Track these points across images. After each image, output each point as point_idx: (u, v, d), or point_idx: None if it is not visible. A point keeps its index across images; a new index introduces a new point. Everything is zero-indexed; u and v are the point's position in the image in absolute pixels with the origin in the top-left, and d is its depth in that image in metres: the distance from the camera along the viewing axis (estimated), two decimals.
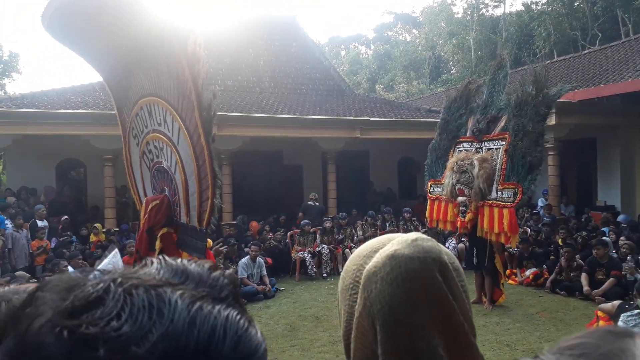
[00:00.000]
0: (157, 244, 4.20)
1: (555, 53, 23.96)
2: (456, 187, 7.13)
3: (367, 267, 0.75)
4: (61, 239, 9.34)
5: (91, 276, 0.44)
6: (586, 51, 17.61)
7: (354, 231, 10.90)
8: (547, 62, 17.82)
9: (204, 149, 3.76)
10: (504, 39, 28.44)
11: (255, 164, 13.76)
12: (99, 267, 0.94)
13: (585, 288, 7.51)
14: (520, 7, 29.40)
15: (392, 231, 11.07)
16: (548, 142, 11.31)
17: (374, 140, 13.58)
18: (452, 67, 35.43)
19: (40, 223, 9.23)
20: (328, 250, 9.99)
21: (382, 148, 15.04)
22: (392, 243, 0.77)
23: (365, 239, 10.67)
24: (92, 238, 9.81)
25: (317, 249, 10.04)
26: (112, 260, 0.90)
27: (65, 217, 10.00)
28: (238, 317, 0.45)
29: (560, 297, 7.80)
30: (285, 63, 15.93)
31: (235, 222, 11.78)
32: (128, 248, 8.86)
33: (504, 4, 31.17)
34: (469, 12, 31.53)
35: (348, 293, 0.78)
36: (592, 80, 12.66)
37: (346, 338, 0.79)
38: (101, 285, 0.42)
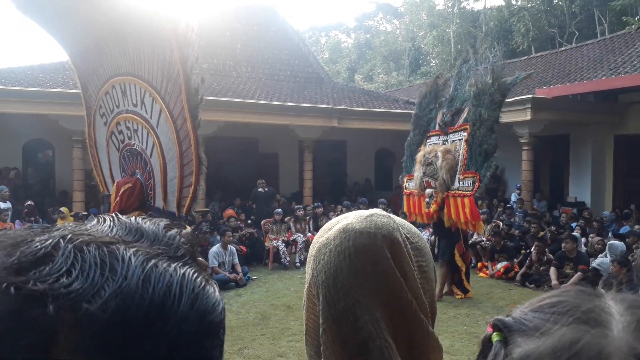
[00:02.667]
0: None
1: (533, 49, 24.23)
2: (424, 180, 7.31)
3: (321, 239, 0.77)
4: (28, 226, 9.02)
5: (38, 232, 0.43)
6: (563, 48, 17.87)
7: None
8: (525, 57, 18.01)
9: (189, 134, 3.66)
10: (483, 33, 28.64)
11: (230, 150, 13.54)
12: None
13: (554, 282, 7.63)
14: (500, 2, 29.57)
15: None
16: (523, 137, 11.46)
17: (351, 130, 13.52)
18: (432, 60, 35.54)
19: (2, 205, 8.91)
20: (303, 239, 9.92)
21: (360, 139, 14.99)
22: (348, 217, 0.78)
23: None
24: (59, 222, 9.52)
25: (292, 237, 9.96)
26: None
27: (29, 202, 9.66)
28: (195, 275, 0.44)
29: (530, 290, 7.91)
30: (263, 48, 15.68)
31: (207, 209, 11.60)
32: None
33: None
34: (450, 5, 31.58)
35: (309, 265, 0.79)
36: (567, 77, 12.82)
37: (305, 308, 0.81)
38: (50, 241, 0.41)
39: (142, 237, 0.46)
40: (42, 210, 10.26)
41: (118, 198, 4.33)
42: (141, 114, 4.18)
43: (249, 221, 10.71)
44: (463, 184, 6.81)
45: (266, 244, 9.87)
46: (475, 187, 6.60)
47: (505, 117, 11.29)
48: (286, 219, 10.28)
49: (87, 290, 0.38)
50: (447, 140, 7.43)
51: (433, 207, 7.15)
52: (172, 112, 3.87)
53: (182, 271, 0.43)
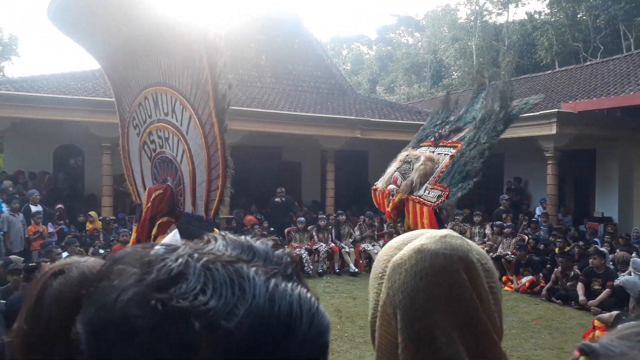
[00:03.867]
0: (154, 231, 4.19)
1: (557, 63, 24.05)
2: (393, 175, 7.06)
3: (394, 258, 0.78)
4: (68, 237, 9.16)
5: (162, 251, 0.44)
6: (588, 63, 17.69)
7: (351, 231, 10.87)
8: (549, 72, 17.89)
9: (216, 139, 3.74)
10: (506, 46, 28.53)
11: (254, 159, 13.69)
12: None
13: (581, 298, 7.52)
14: (523, 16, 29.49)
15: (390, 233, 11.06)
16: (548, 151, 11.38)
17: (373, 140, 13.57)
18: (454, 72, 35.48)
19: (34, 208, 9.15)
20: (326, 248, 9.96)
21: (382, 149, 14.99)
22: (421, 237, 0.79)
23: (362, 240, 10.67)
24: (88, 226, 9.73)
25: (315, 246, 10.01)
26: (173, 239, 0.89)
27: (59, 205, 9.91)
28: (309, 294, 0.45)
29: (556, 306, 7.81)
30: (287, 59, 15.87)
31: (232, 216, 11.73)
32: (122, 237, 8.82)
33: (508, 12, 31.27)
34: (472, 18, 31.59)
35: (376, 282, 0.81)
36: (593, 92, 12.70)
37: (372, 325, 0.81)
38: (181, 260, 0.42)
39: (254, 255, 0.46)
40: (71, 213, 10.49)
41: (150, 204, 4.41)
42: (172, 122, 4.27)
43: (271, 229, 10.81)
44: (428, 193, 6.62)
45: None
46: (440, 200, 6.41)
47: (530, 131, 11.30)
48: (309, 228, 10.34)
49: (222, 309, 0.39)
50: (434, 152, 7.34)
51: (390, 206, 6.92)
52: (200, 118, 3.94)
53: (297, 290, 0.44)
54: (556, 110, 11.05)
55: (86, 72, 12.64)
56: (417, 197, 6.72)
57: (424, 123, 13.66)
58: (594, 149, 12.74)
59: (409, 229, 6.75)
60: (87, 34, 4.27)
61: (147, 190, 4.54)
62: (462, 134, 7.06)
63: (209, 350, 0.38)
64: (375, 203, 7.78)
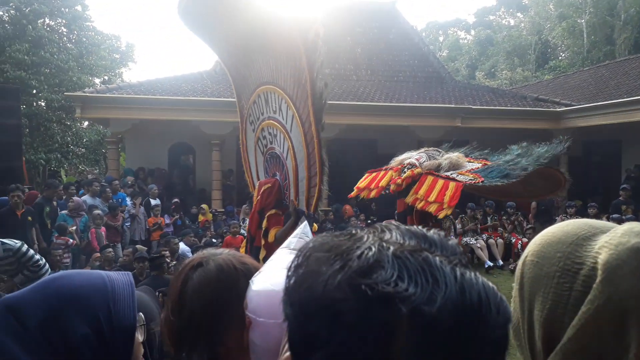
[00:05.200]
0: (264, 223, 4.40)
1: None
2: (417, 155, 6.46)
3: (604, 259, 0.74)
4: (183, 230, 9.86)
5: (349, 240, 0.48)
6: None
7: (452, 224, 10.60)
8: None
9: (313, 137, 3.85)
10: (622, 21, 25.89)
11: (350, 152, 13.80)
12: (292, 237, 1.05)
13: None
14: None
15: (494, 226, 10.63)
16: None
17: (475, 129, 13.05)
18: (561, 53, 32.95)
19: (153, 202, 10.01)
20: None
21: (484, 138, 14.36)
22: (617, 234, 0.75)
23: (464, 233, 10.36)
24: (200, 218, 10.48)
25: None
26: (304, 230, 0.97)
27: (175, 200, 10.75)
28: (491, 284, 0.46)
29: None
30: (383, 50, 15.73)
31: (329, 208, 11.96)
32: (232, 228, 9.37)
33: None
34: None
35: (553, 281, 0.78)
36: None
37: (547, 325, 0.79)
38: (373, 249, 0.45)
39: (432, 245, 0.48)
40: (184, 207, 11.34)
41: (259, 197, 4.62)
42: (279, 119, 4.45)
43: (369, 221, 10.85)
44: (457, 176, 5.96)
45: None
46: (472, 182, 5.76)
47: None
48: None
49: (421, 295, 0.42)
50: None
51: (408, 173, 6.18)
52: (301, 116, 4.06)
53: (480, 279, 0.45)
54: None
55: (195, 74, 13.55)
56: (444, 174, 6.26)
57: (530, 109, 12.92)
58: None
59: (408, 204, 6.17)
60: (211, 29, 4.57)
61: (257, 184, 4.80)
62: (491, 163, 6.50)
63: (408, 334, 0.41)
64: (362, 180, 7.21)
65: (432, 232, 0.50)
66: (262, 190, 4.50)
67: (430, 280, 0.43)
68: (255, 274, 1.03)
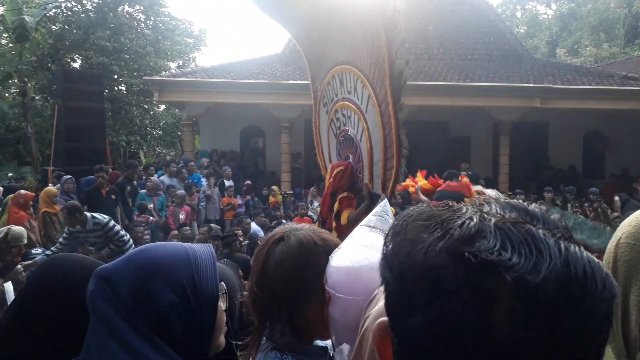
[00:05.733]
0: (336, 206, 4.38)
1: None
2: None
3: None
4: (254, 211, 10.09)
5: (447, 211, 0.48)
6: None
7: None
8: None
9: (391, 118, 3.75)
10: None
11: (420, 134, 13.43)
12: (372, 215, 1.07)
13: None
14: None
15: (575, 213, 10.01)
16: None
17: (555, 110, 12.31)
18: None
19: (227, 183, 10.33)
20: None
21: (565, 120, 13.53)
22: None
23: None
24: (271, 199, 10.70)
25: None
26: (384, 208, 0.96)
27: (247, 181, 11.04)
28: (595, 259, 0.45)
29: None
30: (456, 28, 15.07)
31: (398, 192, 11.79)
32: (300, 210, 9.48)
33: None
34: None
35: None
36: None
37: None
38: (475, 219, 0.45)
39: (533, 218, 0.47)
40: (255, 188, 11.61)
41: (331, 179, 4.60)
42: (354, 100, 4.38)
43: None
44: None
45: None
46: None
47: None
48: None
49: (525, 265, 0.41)
50: None
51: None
52: (377, 96, 3.98)
53: (585, 254, 0.44)
54: None
55: (264, 57, 13.72)
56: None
57: (617, 88, 12.00)
58: None
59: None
60: (287, 10, 4.56)
61: (330, 166, 4.78)
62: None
63: (511, 302, 0.41)
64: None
65: (534, 206, 0.50)
66: (334, 173, 4.48)
67: (534, 252, 0.42)
68: (334, 251, 1.05)
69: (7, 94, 19.61)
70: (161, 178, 9.30)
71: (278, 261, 1.09)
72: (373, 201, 4.14)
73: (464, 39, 15.08)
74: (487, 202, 0.50)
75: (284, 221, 8.23)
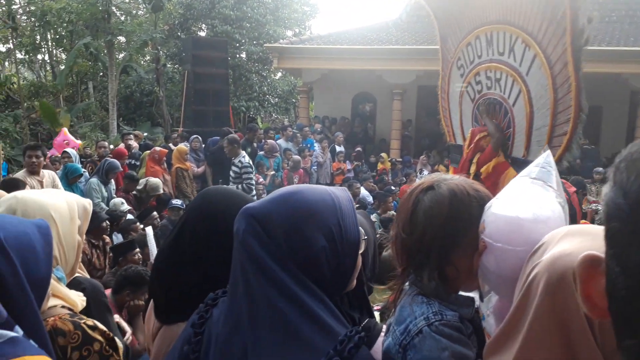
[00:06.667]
0: (472, 169, 4.25)
1: None
2: None
3: None
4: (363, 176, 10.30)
5: None
6: None
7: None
8: None
9: (569, 80, 3.42)
10: None
11: None
12: (533, 166, 1.05)
13: None
14: None
15: None
16: None
17: None
18: None
19: (338, 148, 10.59)
20: None
21: None
22: None
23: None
24: (379, 166, 10.79)
25: None
26: (546, 160, 0.99)
27: (358, 148, 11.20)
28: None
29: None
30: None
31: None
32: (411, 178, 9.45)
33: None
34: None
35: None
36: None
37: None
38: None
39: None
40: (364, 154, 11.75)
41: (472, 145, 4.41)
42: (508, 62, 4.04)
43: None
44: None
45: (583, 206, 9.00)
46: None
47: None
48: None
49: None
50: None
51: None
52: (549, 57, 3.54)
53: None
54: None
55: (380, 23, 13.58)
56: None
57: None
58: None
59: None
60: None
61: (470, 131, 4.57)
62: None
63: None
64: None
65: None
66: (477, 139, 4.31)
67: None
68: (490, 200, 1.04)
69: (142, 61, 21.63)
70: (278, 141, 9.82)
71: (427, 209, 1.08)
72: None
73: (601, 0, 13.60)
74: None
75: (393, 188, 8.29)
